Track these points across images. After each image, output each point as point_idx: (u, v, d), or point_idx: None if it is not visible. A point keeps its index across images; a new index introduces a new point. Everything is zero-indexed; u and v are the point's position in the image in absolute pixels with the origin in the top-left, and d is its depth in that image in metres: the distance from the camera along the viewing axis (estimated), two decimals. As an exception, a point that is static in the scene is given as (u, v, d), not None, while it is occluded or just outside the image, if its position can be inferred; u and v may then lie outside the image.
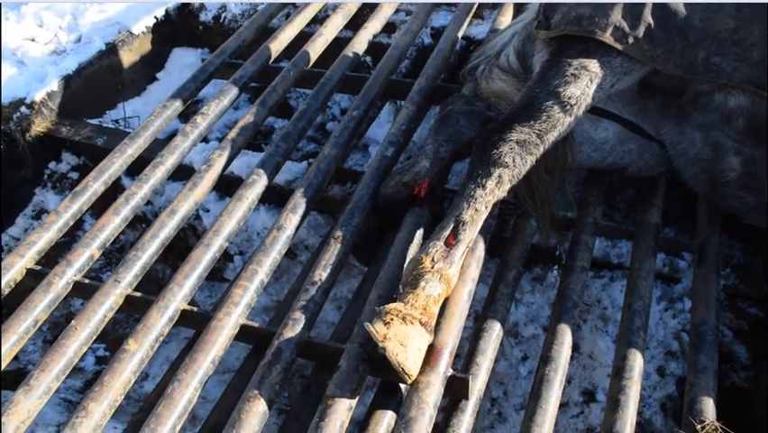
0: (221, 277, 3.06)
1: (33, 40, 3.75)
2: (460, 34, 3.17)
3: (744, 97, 2.06)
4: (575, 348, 2.27)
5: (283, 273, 2.90)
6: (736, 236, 2.38)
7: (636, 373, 1.89)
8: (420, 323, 1.74)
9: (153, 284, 3.19)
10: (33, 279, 2.18)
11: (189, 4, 4.02)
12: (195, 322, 2.08)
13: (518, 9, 3.31)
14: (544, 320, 2.41)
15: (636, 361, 1.91)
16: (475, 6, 3.41)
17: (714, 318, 2.00)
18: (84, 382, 2.86)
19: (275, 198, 2.88)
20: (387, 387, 1.84)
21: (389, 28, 3.53)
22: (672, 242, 2.38)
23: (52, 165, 3.36)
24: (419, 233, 2.15)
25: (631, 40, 2.11)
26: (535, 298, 2.45)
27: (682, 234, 2.43)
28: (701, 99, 2.16)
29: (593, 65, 2.12)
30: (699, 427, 1.75)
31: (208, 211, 2.99)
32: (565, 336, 1.97)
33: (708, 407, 1.81)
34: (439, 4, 3.62)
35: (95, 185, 2.47)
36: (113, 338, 3.05)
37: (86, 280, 2.19)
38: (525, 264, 2.32)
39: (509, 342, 2.39)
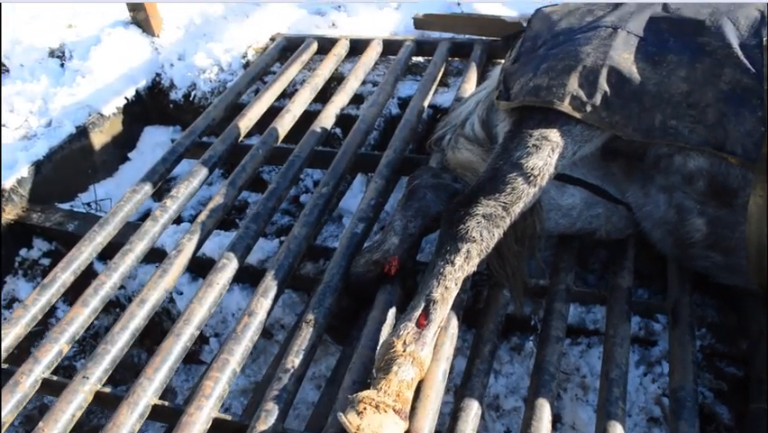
0: (197, 360, 3.00)
1: (4, 125, 3.76)
2: (426, 103, 3.22)
3: (703, 159, 2.09)
4: (557, 419, 2.23)
5: (260, 354, 2.86)
6: (709, 294, 2.38)
7: (618, 446, 1.85)
8: (394, 410, 1.70)
9: (129, 370, 3.13)
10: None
11: (159, 83, 4.06)
12: (166, 417, 2.03)
13: (482, 75, 3.38)
14: (524, 391, 2.38)
15: (617, 432, 1.88)
16: (440, 74, 3.47)
17: (692, 382, 1.98)
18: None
19: (248, 278, 2.85)
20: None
21: (357, 99, 3.58)
22: (646, 304, 2.38)
23: (23, 252, 3.33)
24: (392, 312, 2.13)
25: (589, 108, 2.14)
26: (515, 368, 2.42)
27: (655, 296, 2.43)
28: (662, 162, 2.18)
29: (554, 135, 2.14)
30: (684, 501, 1.71)
31: (182, 294, 2.95)
32: (544, 410, 1.94)
33: (693, 477, 1.78)
34: (405, 74, 3.67)
35: (63, 276, 2.44)
36: (88, 430, 2.97)
37: (55, 378, 2.14)
38: (503, 334, 2.30)
39: (491, 416, 2.35)
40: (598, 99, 2.14)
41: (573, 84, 2.16)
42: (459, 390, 2.03)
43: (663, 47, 2.17)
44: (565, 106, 2.15)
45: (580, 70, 2.17)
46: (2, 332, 2.23)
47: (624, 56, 2.17)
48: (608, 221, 2.40)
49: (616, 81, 2.14)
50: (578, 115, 2.14)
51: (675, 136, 2.09)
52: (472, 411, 1.96)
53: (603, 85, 2.14)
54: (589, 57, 2.19)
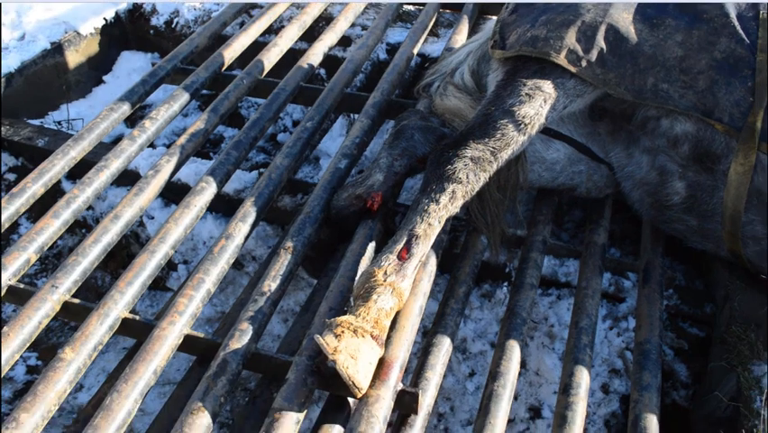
0: (163, 286, 2.97)
1: (-27, 35, 3.61)
2: (415, 51, 3.19)
3: (690, 124, 2.13)
4: (522, 365, 2.28)
5: (228, 284, 2.84)
6: (678, 259, 2.44)
7: (583, 390, 1.90)
8: (371, 336, 1.71)
9: (91, 292, 3.09)
10: (-37, 283, 2.06)
11: (141, 7, 3.93)
12: (136, 331, 2.00)
13: (473, 28, 3.36)
14: (491, 336, 2.42)
15: (583, 378, 1.93)
16: (431, 24, 3.44)
17: (657, 337, 2.04)
18: (13, 392, 2.72)
19: (223, 207, 2.82)
20: (334, 400, 1.81)
21: (345, 42, 3.53)
22: (618, 262, 2.43)
23: (-12, 165, 3.22)
24: (371, 246, 2.14)
25: (584, 63, 2.15)
26: (484, 314, 2.46)
27: (627, 255, 2.48)
28: (649, 124, 2.22)
29: (547, 86, 2.15)
30: (642, 444, 1.77)
31: (153, 218, 2.90)
32: (514, 351, 1.98)
33: (652, 424, 1.84)
34: (395, 21, 3.63)
35: (33, 187, 2.37)
36: (45, 347, 2.93)
37: (21, 285, 2.08)
38: (476, 278, 2.33)
39: (457, 357, 2.38)
40: (594, 55, 2.15)
41: (571, 38, 2.16)
42: (432, 327, 2.05)
43: (662, 10, 2.18)
44: (561, 59, 2.15)
45: (579, 25, 2.18)
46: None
47: (623, 15, 2.18)
48: (589, 179, 2.43)
49: (613, 39, 2.15)
50: (573, 69, 2.15)
51: (666, 99, 2.11)
52: (444, 347, 1.98)
53: (600, 42, 2.15)
54: (589, 12, 2.19)
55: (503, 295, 2.44)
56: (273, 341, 2.71)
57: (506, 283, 2.46)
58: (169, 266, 2.94)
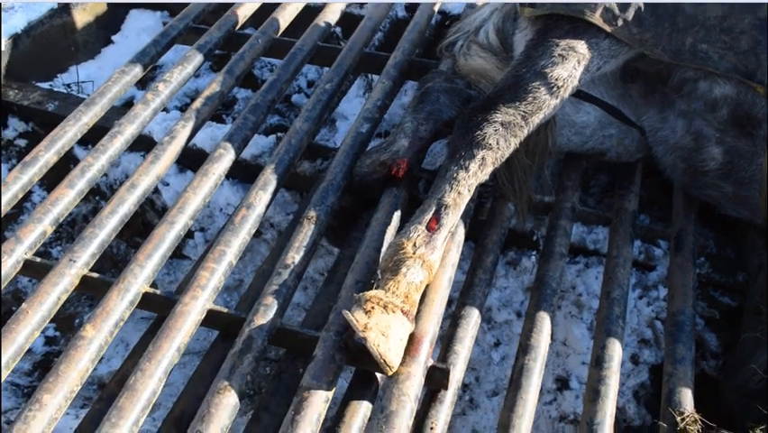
0: (180, 254, 2.92)
1: (-24, -7, 3.49)
2: (436, 8, 3.07)
3: (729, 86, 2.03)
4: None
5: (247, 251, 2.79)
6: (709, 226, 2.37)
7: (616, 363, 1.86)
8: (402, 312, 1.66)
9: (107, 261, 3.04)
10: (-22, 256, 2.02)
11: (148, -37, 3.80)
12: (158, 306, 1.95)
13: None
14: (517, 305, 2.37)
15: (616, 350, 1.89)
16: (451, -20, 3.31)
17: (691, 308, 1.99)
18: (32, 364, 2.71)
19: (240, 173, 2.75)
20: (362, 375, 1.77)
21: (361, -2, 3.40)
22: (648, 229, 2.36)
23: (-3, 131, 3.15)
24: (397, 214, 2.07)
25: (620, 22, 2.05)
26: (509, 282, 2.40)
27: (657, 222, 2.41)
28: (686, 86, 2.12)
29: (581, 46, 2.05)
30: (678, 419, 1.73)
31: (168, 185, 2.84)
32: (544, 323, 1.93)
33: (687, 398, 1.80)
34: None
35: (46, 155, 2.30)
36: (63, 317, 2.90)
37: (38, 259, 2.03)
38: (502, 249, 2.27)
39: (482, 327, 2.34)
40: (630, 14, 2.04)
41: (606, -5, 2.06)
42: (459, 298, 2.00)
43: (704, -34, 2.06)
44: (596, 18, 2.05)
45: (615, -19, 2.06)
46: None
47: (662, -30, 2.07)
48: (619, 143, 2.35)
49: (650, -4, 2.04)
50: (608, 29, 2.05)
51: (705, 60, 2.02)
52: (472, 319, 1.94)
53: (637, -1, 2.04)
54: (626, -32, 2.08)
55: (530, 263, 2.38)
56: (292, 309, 2.67)
57: (533, 252, 2.40)
58: (186, 234, 2.88)
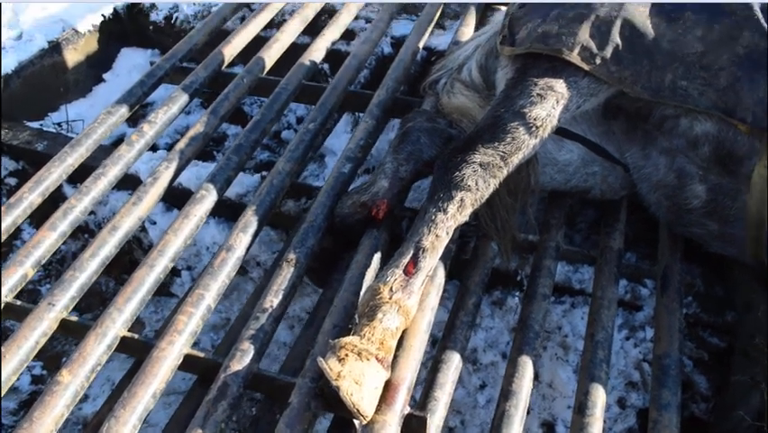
0: (167, 292, 2.90)
1: (-31, 35, 3.53)
2: (421, 45, 3.08)
3: (710, 124, 2.02)
4: (535, 377, 2.19)
5: (233, 290, 2.77)
6: (697, 262, 2.34)
7: (599, 410, 1.82)
8: (377, 359, 1.64)
9: (95, 298, 3.03)
10: (-42, 299, 2.01)
11: (139, 3, 3.83)
12: (135, 350, 1.94)
13: (481, 20, 3.25)
14: (503, 346, 2.34)
15: (599, 396, 1.85)
16: (437, 16, 3.32)
17: (677, 351, 1.95)
18: (18, 403, 2.68)
19: (226, 212, 2.74)
20: (340, 421, 1.75)
21: (348, 35, 3.43)
22: (634, 268, 2.33)
23: (-12, 170, 3.15)
24: (377, 257, 2.05)
25: (599, 60, 2.04)
26: (495, 322, 2.37)
27: (644, 260, 2.39)
28: (667, 123, 2.11)
29: (559, 85, 2.05)
30: (662, 467, 1.69)
31: (155, 223, 2.83)
32: (526, 368, 1.90)
33: (672, 445, 1.76)
34: (399, 13, 3.52)
35: (30, 196, 2.31)
36: (50, 355, 2.87)
37: (18, 302, 2.03)
38: (485, 290, 2.24)
39: (467, 369, 2.31)
40: (608, 52, 2.04)
41: (584, 34, 2.06)
42: (441, 341, 1.97)
43: (681, 3, 2.06)
44: (574, 57, 2.05)
45: (593, 20, 2.07)
46: (-39, 250, 2.10)
47: (639, 9, 2.07)
48: (603, 180, 2.33)
49: (629, 35, 2.04)
50: (586, 67, 2.05)
51: (684, 98, 2.01)
52: (453, 364, 1.91)
53: (615, 37, 2.04)
54: (603, 7, 2.08)
55: (515, 303, 2.36)
56: (279, 348, 2.64)
57: (517, 292, 2.37)
58: (173, 272, 2.87)
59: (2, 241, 2.19)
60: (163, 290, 2.91)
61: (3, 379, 1.79)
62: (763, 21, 1.97)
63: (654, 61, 2.03)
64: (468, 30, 3.06)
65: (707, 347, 2.19)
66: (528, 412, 2.19)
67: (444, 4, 3.45)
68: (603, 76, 2.05)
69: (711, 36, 2.00)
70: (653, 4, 2.08)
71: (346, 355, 1.60)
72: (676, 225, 2.23)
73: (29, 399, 2.77)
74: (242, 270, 2.76)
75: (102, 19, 3.72)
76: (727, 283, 2.27)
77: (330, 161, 3.23)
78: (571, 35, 2.06)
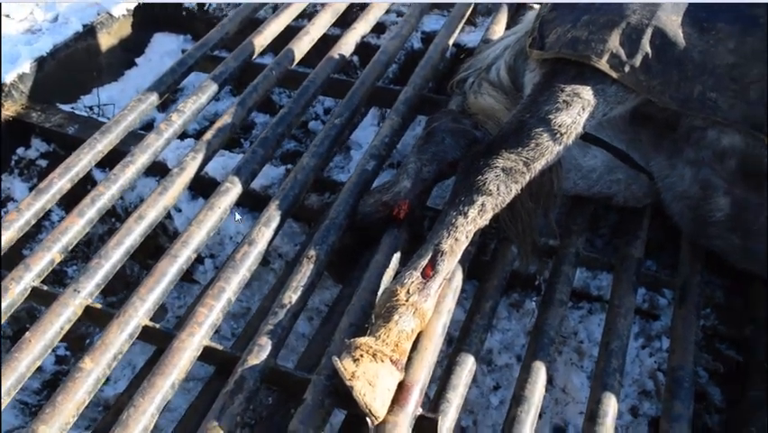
0: (190, 279, 2.96)
1: (8, 16, 3.59)
2: (451, 41, 3.07)
3: (738, 137, 2.00)
4: (549, 381, 2.21)
5: (253, 280, 2.80)
6: (717, 274, 2.32)
7: (610, 418, 1.83)
8: (391, 360, 1.66)
9: (121, 282, 3.09)
10: (-11, 281, 2.07)
11: (173, -13, 3.87)
12: (157, 339, 1.99)
13: (513, 18, 3.22)
14: (518, 349, 2.35)
15: (611, 405, 1.85)
16: (468, 12, 3.31)
17: (691, 363, 1.95)
18: (42, 383, 2.76)
19: (250, 202, 2.78)
20: (353, 420, 1.79)
21: (379, 28, 3.42)
22: (653, 277, 2.32)
23: (20, 151, 3.22)
24: (396, 257, 2.07)
25: (627, 68, 2.03)
26: (511, 325, 2.39)
27: (664, 269, 2.37)
28: (694, 135, 2.09)
29: (586, 92, 2.04)
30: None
31: (180, 211, 2.88)
32: (540, 374, 1.91)
33: (682, 458, 1.77)
34: (431, 7, 3.50)
35: (60, 182, 2.36)
36: (75, 337, 2.95)
37: (45, 287, 2.08)
38: (503, 294, 2.25)
39: (482, 369, 2.33)
40: (638, 60, 2.02)
41: (614, 41, 2.04)
42: (456, 343, 1.99)
43: (714, 14, 2.04)
44: (603, 64, 2.03)
45: (624, 27, 2.05)
46: (-4, 233, 2.16)
47: (671, 18, 2.04)
48: (627, 188, 2.32)
49: (659, 44, 2.02)
50: (615, 75, 2.03)
51: (713, 110, 1.99)
52: (467, 367, 1.92)
53: (645, 46, 2.02)
54: (635, 14, 2.06)
55: (532, 306, 2.36)
56: (297, 340, 2.68)
57: (535, 295, 2.38)
58: (197, 259, 2.91)
59: (31, 225, 2.25)
60: (186, 276, 2.96)
61: (27, 365, 1.84)
62: (797, 35, 1.94)
63: (684, 72, 2.01)
64: (499, 28, 3.04)
65: (723, 360, 2.18)
66: (540, 416, 2.20)
67: (476, 1, 3.43)
68: (631, 84, 2.04)
69: (743, 49, 1.97)
70: (686, 14, 2.05)
71: (361, 356, 1.63)
72: (698, 236, 2.21)
73: (52, 378, 2.85)
74: (264, 261, 2.79)
75: (136, 4, 3.76)
76: (747, 297, 2.26)
77: (356, 154, 3.24)
78: (601, 42, 2.05)
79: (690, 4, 2.07)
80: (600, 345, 2.02)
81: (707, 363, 2.18)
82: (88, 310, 2.02)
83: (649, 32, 2.03)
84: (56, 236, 2.16)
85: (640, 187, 2.31)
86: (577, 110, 2.02)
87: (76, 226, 2.21)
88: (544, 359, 1.94)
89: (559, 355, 2.27)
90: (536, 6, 3.16)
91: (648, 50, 2.02)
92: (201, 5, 3.81)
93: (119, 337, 1.89)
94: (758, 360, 2.05)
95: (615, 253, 2.30)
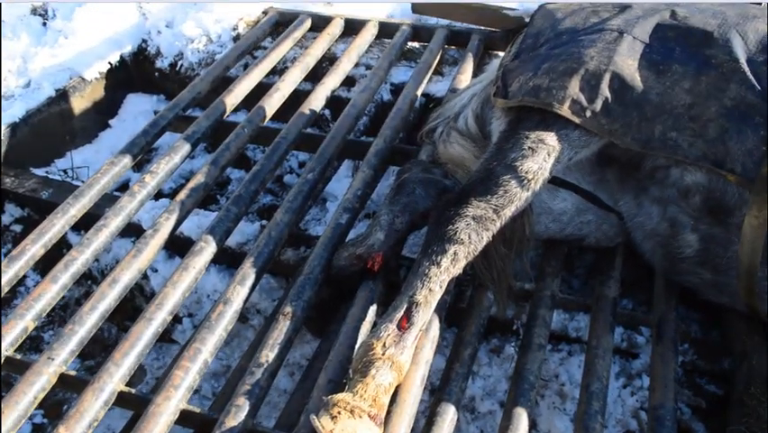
0: (168, 339, 2.93)
1: (-21, 84, 3.62)
2: (419, 92, 3.13)
3: (700, 174, 2.04)
4: (532, 426, 2.19)
5: (233, 337, 2.79)
6: (693, 308, 2.34)
7: (594, 463, 1.82)
8: (369, 416, 1.65)
9: (98, 345, 3.05)
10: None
11: (145, 50, 3.92)
12: (133, 404, 1.96)
13: (479, 66, 3.30)
14: (501, 395, 2.34)
15: (594, 448, 1.85)
16: (435, 62, 3.38)
17: (672, 401, 1.95)
18: (19, 454, 2.69)
19: (226, 259, 2.77)
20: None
21: (349, 82, 3.48)
22: (630, 316, 2.34)
23: (-6, 217, 3.21)
24: (372, 309, 2.08)
25: (589, 113, 2.08)
26: (492, 370, 2.38)
27: (640, 307, 2.39)
28: (658, 174, 2.14)
29: (551, 138, 2.08)
30: None
31: (156, 271, 2.87)
32: (521, 420, 1.90)
33: (667, 499, 1.76)
34: (399, 59, 3.58)
35: (33, 248, 2.35)
36: (51, 403, 2.89)
37: (18, 357, 2.06)
38: (483, 336, 2.25)
39: (465, 417, 2.31)
40: (598, 105, 2.08)
41: (574, 87, 2.09)
42: (436, 393, 1.98)
43: (669, 56, 2.10)
44: (564, 110, 2.08)
45: (582, 74, 2.10)
46: (-35, 304, 2.14)
47: (628, 62, 2.11)
48: (598, 228, 2.36)
49: (618, 88, 2.08)
50: (577, 120, 2.08)
51: (674, 149, 2.03)
52: (448, 417, 1.91)
53: (605, 90, 2.08)
54: (593, 60, 2.12)
55: (512, 351, 2.36)
56: (279, 395, 2.65)
57: (515, 340, 2.38)
58: (175, 319, 2.90)
59: (3, 294, 2.23)
60: (165, 336, 2.93)
61: (2, 434, 1.81)
62: (749, 73, 2.00)
63: (644, 113, 2.06)
64: (465, 77, 3.11)
65: (704, 395, 2.19)
66: (525, 463, 2.18)
67: (443, 50, 3.51)
68: (593, 128, 2.08)
69: (699, 88, 2.03)
70: (642, 57, 2.11)
71: (339, 413, 1.62)
72: (670, 273, 2.24)
73: (30, 449, 2.78)
74: (243, 317, 2.79)
75: (108, 66, 3.80)
76: (724, 330, 2.28)
77: (332, 206, 3.26)
78: (562, 89, 2.10)
79: (645, 47, 2.13)
80: (581, 388, 2.02)
81: (688, 398, 2.18)
82: (63, 378, 1.99)
83: (607, 76, 2.08)
84: (29, 303, 2.14)
85: (611, 226, 2.35)
86: (543, 156, 2.06)
87: (49, 293, 2.19)
88: (525, 405, 1.94)
89: (541, 399, 2.26)
90: (501, 54, 3.24)
91: (608, 94, 2.08)
92: (173, 65, 3.86)
93: (94, 405, 1.86)
94: (738, 394, 2.05)
95: (591, 294, 2.32)
